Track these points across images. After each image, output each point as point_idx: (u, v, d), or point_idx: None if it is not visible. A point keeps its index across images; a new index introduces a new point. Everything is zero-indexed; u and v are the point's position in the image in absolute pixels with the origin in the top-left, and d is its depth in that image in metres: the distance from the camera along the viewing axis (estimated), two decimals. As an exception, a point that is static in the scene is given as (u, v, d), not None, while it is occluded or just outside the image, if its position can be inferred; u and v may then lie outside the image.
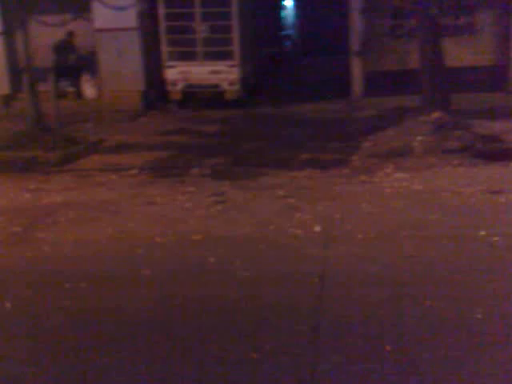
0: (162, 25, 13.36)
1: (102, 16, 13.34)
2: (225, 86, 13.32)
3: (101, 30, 13.35)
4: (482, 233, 5.44)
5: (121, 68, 13.25)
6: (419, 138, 8.52)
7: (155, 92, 13.88)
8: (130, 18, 13.34)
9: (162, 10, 13.28)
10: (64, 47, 13.78)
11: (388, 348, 3.66)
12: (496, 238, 5.29)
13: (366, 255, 5.10)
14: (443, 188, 6.99)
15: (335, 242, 5.46)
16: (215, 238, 5.66)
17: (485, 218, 5.87)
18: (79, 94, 13.87)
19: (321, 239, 5.54)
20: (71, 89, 13.82)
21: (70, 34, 13.80)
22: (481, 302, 4.18)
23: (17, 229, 6.09)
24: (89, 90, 13.90)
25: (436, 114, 8.74)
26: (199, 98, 13.38)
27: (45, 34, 13.46)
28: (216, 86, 13.34)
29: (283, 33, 23.40)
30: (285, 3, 24.76)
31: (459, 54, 12.62)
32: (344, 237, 5.55)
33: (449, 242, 5.33)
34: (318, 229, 5.80)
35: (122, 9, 13.22)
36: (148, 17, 13.84)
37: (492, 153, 8.11)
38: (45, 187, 7.55)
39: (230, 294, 4.48)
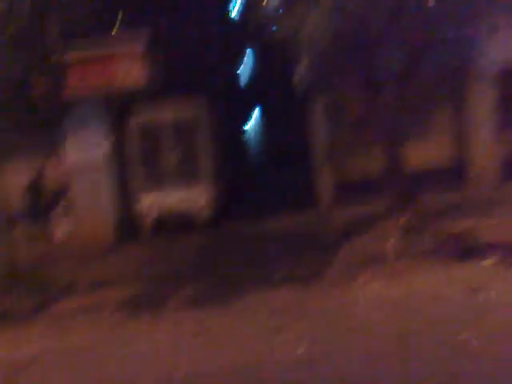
0: (134, 157, 13.75)
1: (73, 156, 13.67)
2: (195, 211, 13.55)
3: (73, 170, 13.64)
4: (463, 337, 5.41)
5: (93, 204, 13.42)
6: (390, 242, 8.63)
7: (128, 223, 13.99)
8: (101, 156, 13.70)
9: (132, 144, 13.75)
10: (35, 188, 13.98)
11: None
12: (476, 342, 5.27)
13: (351, 375, 5.01)
14: (422, 292, 7.04)
15: (319, 363, 5.36)
16: (198, 375, 5.53)
17: (464, 321, 5.86)
18: (51, 234, 13.89)
19: (305, 361, 5.46)
20: (43, 230, 13.85)
21: (39, 173, 14.02)
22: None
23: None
24: (61, 227, 13.96)
25: (403, 218, 8.93)
26: (172, 225, 13.52)
27: (16, 179, 13.67)
28: (187, 212, 13.56)
29: (249, 148, 24.20)
30: (250, 120, 25.76)
31: (418, 155, 13.04)
32: (326, 359, 5.47)
33: (429, 353, 5.28)
34: (301, 350, 5.73)
35: (92, 148, 13.60)
36: (119, 151, 14.24)
37: (465, 251, 8.22)
38: (18, 339, 7.34)
39: None
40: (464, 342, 5.36)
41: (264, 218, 13.67)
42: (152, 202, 13.56)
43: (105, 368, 5.96)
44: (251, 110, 25.73)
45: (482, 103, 13.23)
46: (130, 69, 13.25)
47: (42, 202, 13.95)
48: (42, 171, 14.03)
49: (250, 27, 10.03)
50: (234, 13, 19.97)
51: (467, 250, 8.28)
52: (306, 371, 5.21)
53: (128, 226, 13.87)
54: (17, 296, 8.71)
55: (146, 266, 10.66)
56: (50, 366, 6.30)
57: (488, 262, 7.77)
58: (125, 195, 14.05)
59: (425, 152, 13.40)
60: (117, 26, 13.17)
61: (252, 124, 26.47)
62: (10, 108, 9.73)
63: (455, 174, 13.20)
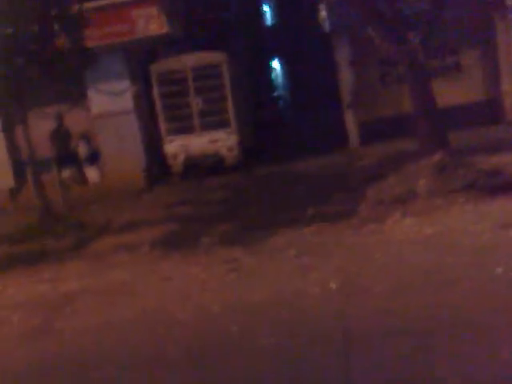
0: (158, 103, 13.75)
1: (98, 102, 13.75)
2: (224, 152, 13.57)
3: (98, 116, 13.72)
4: (499, 270, 5.40)
5: (121, 149, 13.54)
6: (422, 181, 8.55)
7: (157, 167, 14.13)
8: (126, 101, 13.74)
9: (156, 90, 13.71)
10: (60, 134, 14.10)
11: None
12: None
13: (386, 308, 5.05)
14: (453, 228, 6.99)
15: (353, 297, 5.42)
16: (234, 308, 5.63)
17: (499, 255, 5.83)
18: (83, 179, 14.10)
19: (339, 296, 5.51)
20: (74, 175, 14.05)
21: (60, 118, 14.09)
22: (508, 344, 4.11)
23: (37, 321, 6.08)
24: (91, 173, 14.14)
25: (436, 156, 8.80)
26: (200, 167, 13.60)
27: (43, 126, 13.80)
28: (215, 154, 13.60)
29: (275, 93, 23.97)
30: (273, 66, 25.46)
31: (450, 92, 12.84)
32: (361, 291, 5.52)
33: (467, 283, 5.29)
34: (334, 286, 5.78)
35: (117, 93, 13.63)
36: (143, 97, 14.26)
37: (497, 187, 8.11)
38: (60, 276, 7.56)
39: (256, 364, 4.43)
40: (501, 274, 5.33)
41: (293, 160, 13.67)
42: (180, 146, 13.62)
43: (143, 303, 6.11)
44: (276, 54, 25.39)
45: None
46: (150, 15, 13.09)
47: (70, 148, 14.10)
48: (60, 114, 14.01)
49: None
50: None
51: (499, 186, 8.19)
52: (340, 305, 5.26)
53: (157, 170, 14.02)
54: (55, 237, 8.93)
55: (177, 207, 10.82)
56: (90, 301, 6.48)
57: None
58: (152, 140, 14.13)
59: (456, 89, 13.16)
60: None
61: (278, 68, 26.14)
62: (35, 58, 9.78)
63: (487, 110, 12.98)
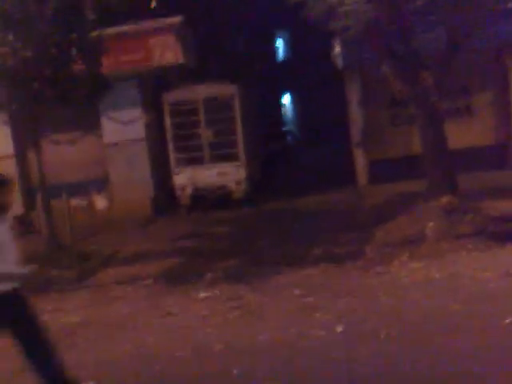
0: (169, 133, 13.83)
1: (110, 130, 13.86)
2: (232, 186, 13.58)
3: (110, 144, 13.82)
4: (507, 321, 5.31)
5: (130, 177, 13.60)
6: (431, 224, 8.50)
7: (165, 197, 14.15)
8: (138, 130, 13.85)
9: (168, 120, 13.81)
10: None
11: None
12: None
13: (392, 354, 4.97)
14: (460, 274, 6.91)
15: (359, 342, 5.33)
16: (236, 348, 5.55)
17: (506, 304, 5.75)
18: (91, 207, 14.13)
19: (344, 340, 5.43)
20: (83, 202, 14.08)
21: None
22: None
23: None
24: (100, 201, 14.17)
25: (445, 199, 8.76)
26: (208, 199, 13.59)
27: (56, 152, 13.90)
28: (223, 186, 13.62)
29: (284, 128, 24.09)
30: (283, 101, 25.65)
31: (461, 135, 12.86)
32: (367, 336, 5.43)
33: (474, 333, 5.20)
34: (339, 329, 5.69)
35: (129, 122, 13.75)
36: (155, 126, 14.37)
37: (506, 234, 8.05)
38: (62, 307, 7.50)
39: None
40: (509, 324, 5.24)
41: (300, 196, 13.65)
42: (188, 178, 13.64)
43: (143, 338, 6.04)
44: (287, 89, 25.62)
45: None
46: (166, 44, 13.25)
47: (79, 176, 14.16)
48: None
49: (285, 7, 9.91)
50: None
51: (508, 234, 8.12)
52: (345, 350, 5.18)
53: (165, 201, 14.02)
54: (59, 267, 8.89)
55: (183, 240, 10.77)
56: (90, 334, 6.41)
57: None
58: (161, 170, 14.18)
59: (466, 132, 13.19)
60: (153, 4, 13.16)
61: (288, 103, 26.34)
62: (50, 82, 9.86)
63: (497, 154, 12.97)
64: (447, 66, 9.36)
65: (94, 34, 10.39)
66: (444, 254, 7.76)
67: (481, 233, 8.15)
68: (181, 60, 13.32)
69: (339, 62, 13.77)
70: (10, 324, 4.25)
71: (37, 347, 4.26)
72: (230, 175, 13.58)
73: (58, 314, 7.15)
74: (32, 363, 4.26)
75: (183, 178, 13.70)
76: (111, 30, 12.22)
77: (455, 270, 7.08)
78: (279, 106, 25.07)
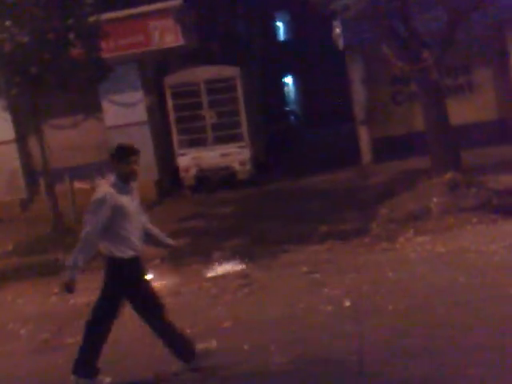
0: (171, 116, 13.83)
1: (112, 114, 13.86)
2: (236, 166, 13.62)
3: (112, 127, 13.82)
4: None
5: (134, 161, 13.59)
6: (435, 199, 8.55)
7: (169, 179, 14.19)
8: (140, 113, 13.85)
9: (170, 103, 13.80)
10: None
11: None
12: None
13: (399, 327, 5.03)
14: (466, 248, 6.96)
15: (367, 316, 5.40)
16: (246, 324, 5.62)
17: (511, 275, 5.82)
18: (95, 190, 14.15)
19: (352, 314, 5.49)
20: (86, 185, 14.11)
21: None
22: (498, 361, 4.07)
23: (46, 335, 6.06)
24: (106, 185, 14.20)
25: (449, 175, 8.80)
26: (212, 180, 13.64)
27: (57, 136, 13.92)
28: (227, 167, 13.65)
29: (287, 109, 24.05)
30: (286, 80, 25.57)
31: (462, 111, 12.88)
32: (375, 310, 5.50)
33: (481, 304, 5.26)
34: (347, 303, 5.75)
35: (131, 105, 13.75)
36: (157, 109, 14.36)
37: (510, 207, 8.09)
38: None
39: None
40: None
41: (305, 175, 13.68)
42: (192, 159, 13.68)
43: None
44: (290, 70, 25.54)
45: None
46: (166, 27, 13.21)
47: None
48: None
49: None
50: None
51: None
52: (354, 324, 5.24)
53: (169, 183, 14.07)
54: (66, 248, 8.94)
55: (188, 221, 10.83)
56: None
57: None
58: (165, 153, 14.21)
59: (468, 107, 13.19)
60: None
61: (291, 83, 26.27)
62: (49, 67, 9.85)
63: (499, 129, 12.99)
64: (447, 44, 9.37)
65: (92, 18, 10.38)
66: (449, 228, 7.82)
67: (485, 206, 8.20)
68: (181, 42, 13.28)
69: (340, 42, 13.74)
70: (132, 286, 4.61)
71: (153, 310, 4.63)
72: (233, 156, 13.61)
73: (66, 296, 7.21)
74: (150, 324, 4.65)
75: (187, 160, 13.73)
76: (110, 14, 12.20)
77: (460, 244, 7.13)
78: (282, 86, 25.00)
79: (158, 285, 7.20)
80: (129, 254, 4.56)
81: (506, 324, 4.78)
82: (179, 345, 4.66)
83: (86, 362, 4.63)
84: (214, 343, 4.88)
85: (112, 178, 4.59)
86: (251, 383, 4.53)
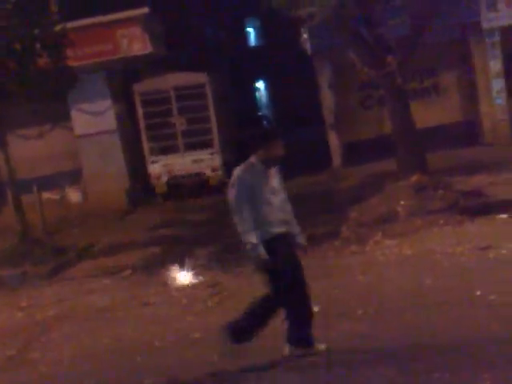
0: (142, 123, 13.77)
1: (81, 122, 13.74)
2: (208, 173, 13.62)
3: (81, 136, 13.70)
4: (478, 293, 5.45)
5: (104, 169, 13.52)
6: (402, 202, 8.66)
7: (140, 187, 14.11)
8: (109, 121, 13.75)
9: (139, 110, 13.74)
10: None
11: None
12: (492, 297, 5.30)
13: (368, 332, 5.07)
14: (433, 250, 7.05)
15: (336, 320, 5.43)
16: (215, 334, 5.59)
17: (478, 277, 5.90)
18: (64, 200, 14.01)
19: (321, 319, 5.51)
20: (56, 196, 13.97)
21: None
22: (487, 368, 4.13)
23: (11, 352, 5.92)
24: (73, 194, 14.07)
25: (415, 177, 8.93)
26: (184, 187, 13.60)
27: (25, 146, 13.76)
28: (199, 174, 13.64)
29: (259, 113, 24.10)
30: (258, 85, 25.64)
31: (429, 114, 13.07)
32: (344, 314, 5.53)
33: (447, 307, 5.32)
34: (316, 309, 5.77)
35: (100, 114, 13.65)
36: (127, 117, 14.28)
37: (476, 208, 8.22)
38: (37, 302, 7.46)
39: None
40: (480, 297, 5.37)
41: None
42: (163, 166, 13.63)
43: (122, 330, 6.04)
44: (260, 75, 25.62)
45: (490, 60, 13.17)
46: (134, 35, 13.17)
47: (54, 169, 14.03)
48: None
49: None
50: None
51: (478, 208, 8.29)
52: (323, 329, 5.25)
53: (141, 191, 13.99)
54: (33, 262, 8.83)
55: (160, 229, 10.77)
56: (67, 329, 6.39)
57: (500, 219, 7.78)
58: (135, 161, 14.12)
59: (434, 110, 13.39)
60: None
61: (262, 89, 26.35)
62: (15, 77, 9.75)
63: (465, 131, 13.20)
64: (411, 49, 9.53)
65: (58, 27, 10.29)
66: (416, 230, 7.91)
67: (452, 208, 8.32)
68: (149, 50, 13.24)
69: (308, 48, 13.84)
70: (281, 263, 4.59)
71: (298, 288, 4.68)
72: (205, 162, 13.61)
73: (33, 310, 7.12)
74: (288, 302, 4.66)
75: (158, 167, 13.68)
76: (77, 23, 12.11)
77: (428, 246, 7.23)
78: (253, 91, 25.06)
79: (127, 295, 7.20)
80: (274, 232, 4.59)
81: (473, 327, 4.85)
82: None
83: (299, 330, 4.64)
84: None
85: (252, 159, 4.65)
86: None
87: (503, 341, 4.51)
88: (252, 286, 6.79)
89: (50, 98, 10.79)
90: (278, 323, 4.76)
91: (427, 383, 4.08)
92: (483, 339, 4.59)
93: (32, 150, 13.92)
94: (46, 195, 12.02)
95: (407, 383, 4.14)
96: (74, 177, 14.10)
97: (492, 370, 4.04)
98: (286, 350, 4.72)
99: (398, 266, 6.72)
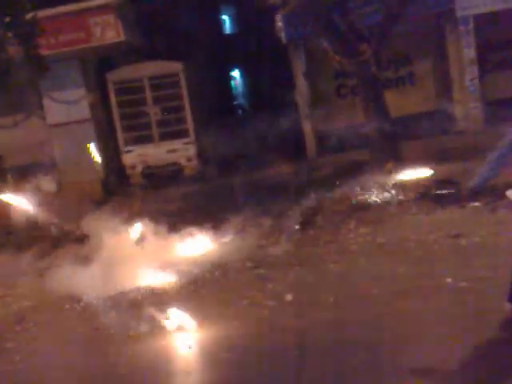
0: (115, 112, 13.64)
1: (54, 111, 13.57)
2: (183, 162, 13.57)
3: (54, 125, 13.54)
4: (449, 280, 5.54)
5: (78, 159, 13.38)
6: (375, 191, 8.74)
7: (115, 178, 14.00)
8: (83, 110, 13.59)
9: (113, 99, 13.60)
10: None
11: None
12: (462, 284, 5.40)
13: (339, 319, 5.13)
14: (406, 238, 7.13)
15: (308, 309, 5.48)
16: (188, 322, 5.62)
17: (449, 265, 5.99)
18: (38, 190, 13.85)
19: (294, 309, 5.57)
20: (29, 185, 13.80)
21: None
22: (457, 353, 4.20)
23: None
24: (47, 184, 13.90)
25: (388, 166, 9.02)
26: (159, 177, 13.54)
27: (-2, 136, 13.56)
28: (174, 163, 13.58)
29: (235, 102, 24.04)
30: (233, 74, 25.53)
31: (403, 103, 13.15)
32: (316, 303, 5.59)
33: (418, 293, 5.41)
34: (289, 297, 5.83)
35: (73, 103, 13.48)
36: (100, 106, 14.13)
37: (448, 197, 8.33)
38: (12, 292, 7.42)
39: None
40: (451, 283, 5.47)
41: (251, 170, 13.69)
42: (138, 156, 13.55)
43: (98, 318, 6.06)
44: (236, 63, 25.51)
45: (464, 48, 13.29)
46: (107, 23, 13.02)
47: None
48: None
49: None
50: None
51: (450, 196, 8.40)
52: (295, 318, 5.31)
53: (115, 181, 13.89)
54: (8, 251, 8.75)
55: (135, 220, 10.69)
56: (42, 318, 6.38)
57: (473, 207, 7.90)
58: (110, 150, 14.01)
59: (408, 99, 13.48)
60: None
61: (238, 77, 26.25)
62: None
63: (438, 120, 13.31)
64: (384, 37, 9.56)
65: (29, 15, 10.14)
66: (389, 218, 7.99)
67: (424, 196, 8.42)
68: (122, 38, 13.08)
69: (282, 36, 13.81)
70: None
71: None
72: (180, 152, 13.56)
73: (7, 300, 7.08)
74: None
75: (133, 157, 13.60)
76: (50, 11, 11.94)
77: (400, 234, 7.31)
78: (229, 80, 24.97)
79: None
80: None
81: (443, 314, 4.94)
82: None
83: None
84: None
85: None
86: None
87: (470, 326, 4.59)
88: (226, 274, 6.84)
89: (23, 87, 10.66)
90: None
91: (399, 371, 4.14)
92: (453, 326, 4.67)
93: (5, 138, 13.71)
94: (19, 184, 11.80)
95: (379, 370, 4.20)
96: (48, 167, 13.93)
97: (460, 352, 4.14)
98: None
99: (371, 254, 6.79)
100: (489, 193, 7.89)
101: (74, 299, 6.73)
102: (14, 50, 10.17)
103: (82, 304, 6.54)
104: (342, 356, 4.45)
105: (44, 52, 10.99)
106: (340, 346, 4.63)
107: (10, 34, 9.99)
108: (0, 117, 13.70)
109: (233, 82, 25.49)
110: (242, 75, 26.29)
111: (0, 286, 7.68)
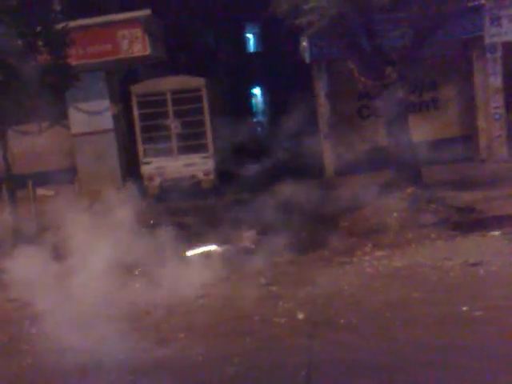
0: (137, 125, 13.74)
1: (78, 121, 13.75)
2: (200, 176, 13.61)
3: (78, 135, 13.71)
4: (465, 308, 5.44)
5: (99, 168, 13.53)
6: (395, 214, 8.65)
7: (133, 188, 14.07)
8: (106, 121, 13.76)
9: (136, 111, 13.72)
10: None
11: None
12: (477, 313, 5.30)
13: (350, 341, 5.06)
14: (422, 263, 7.04)
15: (319, 329, 5.42)
16: (201, 334, 5.59)
17: (466, 293, 5.89)
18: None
19: (305, 327, 5.50)
20: (50, 192, 13.93)
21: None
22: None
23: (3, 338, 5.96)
24: (67, 192, 14.02)
25: (409, 190, 8.94)
26: (176, 189, 13.56)
27: (22, 142, 13.74)
28: (192, 177, 13.63)
29: (255, 120, 24.14)
30: (254, 91, 25.68)
31: (426, 128, 13.06)
32: (327, 323, 5.52)
33: (433, 321, 5.31)
34: (301, 316, 5.77)
35: (97, 113, 13.65)
36: (123, 118, 14.28)
37: (468, 224, 8.23)
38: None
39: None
40: (466, 312, 5.37)
41: (268, 187, 13.66)
42: (156, 168, 13.61)
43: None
44: (258, 81, 25.69)
45: (491, 75, 13.22)
46: (134, 36, 13.19)
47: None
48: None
49: (253, 2, 10.02)
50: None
51: (470, 223, 8.29)
52: (305, 337, 5.25)
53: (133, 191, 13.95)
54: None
55: (150, 230, 10.71)
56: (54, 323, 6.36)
57: (492, 235, 7.78)
58: (130, 161, 14.11)
59: (432, 124, 13.37)
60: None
61: (259, 95, 26.38)
62: (16, 73, 9.76)
63: (462, 146, 13.19)
64: (411, 61, 9.52)
65: (60, 25, 10.32)
66: (407, 243, 7.91)
67: (444, 222, 8.32)
68: (148, 52, 13.26)
69: (306, 56, 13.87)
70: None
71: None
72: (198, 166, 13.60)
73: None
74: None
75: (151, 169, 13.66)
76: (79, 22, 12.13)
77: (417, 259, 7.21)
78: (250, 97, 25.11)
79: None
80: None
81: (456, 342, 4.84)
82: None
83: None
84: None
85: None
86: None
87: (483, 355, 4.49)
88: (239, 290, 6.79)
89: (49, 96, 10.80)
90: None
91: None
92: (466, 355, 4.57)
93: (30, 145, 13.93)
94: (40, 191, 11.97)
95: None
96: (70, 175, 14.07)
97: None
98: None
99: (386, 278, 6.70)
100: (509, 222, 7.81)
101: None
102: (42, 59, 10.34)
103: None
104: (352, 380, 4.37)
105: (72, 62, 11.15)
106: (348, 371, 4.54)
107: (40, 43, 10.15)
108: (25, 123, 13.89)
109: (253, 100, 25.59)
110: (263, 93, 26.41)
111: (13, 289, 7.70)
